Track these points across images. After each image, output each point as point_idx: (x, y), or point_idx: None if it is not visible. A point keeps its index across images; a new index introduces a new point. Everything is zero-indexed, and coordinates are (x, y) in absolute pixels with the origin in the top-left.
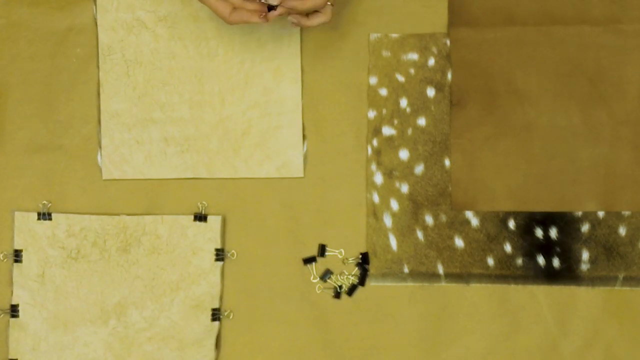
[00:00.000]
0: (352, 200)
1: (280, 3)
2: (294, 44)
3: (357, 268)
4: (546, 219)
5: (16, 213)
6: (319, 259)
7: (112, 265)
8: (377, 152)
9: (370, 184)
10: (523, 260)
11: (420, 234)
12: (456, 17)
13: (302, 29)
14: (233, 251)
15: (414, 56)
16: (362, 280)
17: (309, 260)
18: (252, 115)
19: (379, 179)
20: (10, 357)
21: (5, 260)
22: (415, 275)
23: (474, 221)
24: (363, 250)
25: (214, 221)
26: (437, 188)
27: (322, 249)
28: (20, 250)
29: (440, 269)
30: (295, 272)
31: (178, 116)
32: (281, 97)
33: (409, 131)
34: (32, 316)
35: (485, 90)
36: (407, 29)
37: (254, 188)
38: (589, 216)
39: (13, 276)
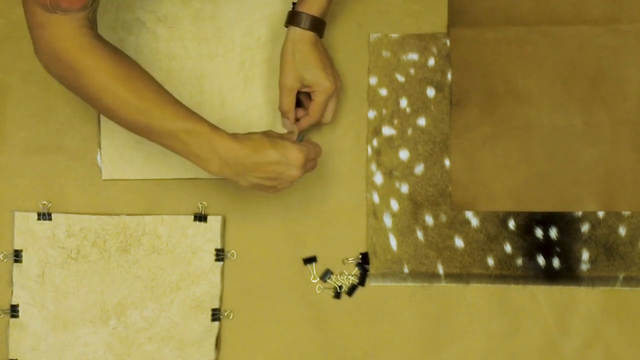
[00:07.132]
0: (352, 200)
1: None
2: None
3: (357, 268)
4: (546, 219)
5: (16, 213)
6: (319, 259)
7: (112, 265)
8: (377, 152)
9: (370, 184)
10: (523, 260)
11: (420, 234)
12: (456, 17)
13: None
14: (233, 251)
15: (414, 56)
16: (362, 281)
17: (309, 260)
18: (252, 115)
19: (379, 179)
20: (10, 357)
21: (5, 260)
22: (415, 275)
23: (474, 221)
24: (363, 250)
25: (214, 221)
26: (437, 188)
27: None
28: (20, 250)
29: (440, 269)
30: (295, 272)
31: None
32: None
33: (409, 131)
34: (32, 316)
35: (485, 90)
36: (407, 29)
37: None
38: (589, 216)
39: (13, 276)
